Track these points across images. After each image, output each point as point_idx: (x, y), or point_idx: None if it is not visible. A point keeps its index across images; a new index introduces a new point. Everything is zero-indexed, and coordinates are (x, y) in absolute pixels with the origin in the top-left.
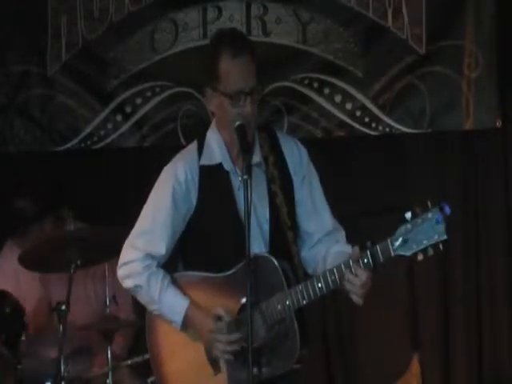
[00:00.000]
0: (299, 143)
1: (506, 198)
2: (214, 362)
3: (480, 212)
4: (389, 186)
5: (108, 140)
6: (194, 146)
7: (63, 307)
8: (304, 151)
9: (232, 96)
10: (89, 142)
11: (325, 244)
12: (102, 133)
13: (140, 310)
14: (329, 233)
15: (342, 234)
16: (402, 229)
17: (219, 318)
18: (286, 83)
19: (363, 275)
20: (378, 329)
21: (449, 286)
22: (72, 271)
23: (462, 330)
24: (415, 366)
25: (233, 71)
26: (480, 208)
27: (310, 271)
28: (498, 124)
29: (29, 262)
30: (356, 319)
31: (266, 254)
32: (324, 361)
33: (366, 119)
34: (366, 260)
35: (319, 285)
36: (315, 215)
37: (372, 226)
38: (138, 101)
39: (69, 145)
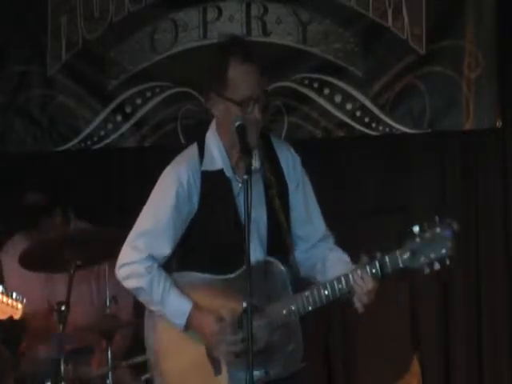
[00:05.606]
0: (293, 151)
1: (506, 198)
2: (215, 363)
3: (480, 212)
4: (389, 186)
5: (108, 140)
6: (194, 149)
7: (63, 307)
8: (298, 159)
9: (241, 103)
10: (89, 142)
11: (320, 249)
12: (102, 133)
13: (140, 310)
14: (322, 239)
15: (332, 241)
16: (411, 241)
17: (222, 319)
18: (286, 83)
19: (370, 283)
20: (378, 329)
21: (449, 286)
22: (72, 271)
23: (462, 330)
24: (415, 366)
25: (242, 79)
26: (480, 208)
27: (301, 273)
28: (498, 124)
29: (28, 262)
30: (356, 319)
31: (274, 260)
32: (324, 361)
33: (366, 119)
34: (374, 270)
35: (326, 292)
36: (309, 221)
37: (371, 226)
38: (138, 101)
39: (69, 145)
